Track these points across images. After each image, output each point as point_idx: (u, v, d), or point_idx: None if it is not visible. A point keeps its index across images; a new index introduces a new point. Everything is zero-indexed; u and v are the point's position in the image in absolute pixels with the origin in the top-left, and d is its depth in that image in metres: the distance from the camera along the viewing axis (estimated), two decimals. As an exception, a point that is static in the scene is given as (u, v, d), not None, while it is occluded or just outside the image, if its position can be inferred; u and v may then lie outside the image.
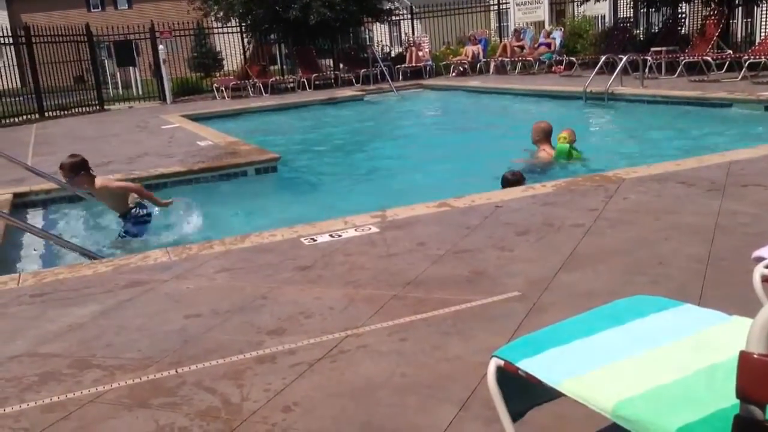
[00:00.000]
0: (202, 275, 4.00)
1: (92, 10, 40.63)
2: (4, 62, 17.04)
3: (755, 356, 0.97)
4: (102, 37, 19.58)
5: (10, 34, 17.32)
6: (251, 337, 3.12)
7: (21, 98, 17.27)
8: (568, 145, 7.47)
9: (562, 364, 1.73)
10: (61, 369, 2.93)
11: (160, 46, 18.37)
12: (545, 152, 7.63)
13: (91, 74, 18.72)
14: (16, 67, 17.67)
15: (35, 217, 6.17)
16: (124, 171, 7.69)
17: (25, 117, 16.35)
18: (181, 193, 7.25)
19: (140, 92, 21.15)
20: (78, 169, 5.79)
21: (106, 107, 18.38)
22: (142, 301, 3.69)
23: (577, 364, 1.72)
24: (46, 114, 16.78)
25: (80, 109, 17.70)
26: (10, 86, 17.00)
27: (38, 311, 3.64)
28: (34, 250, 5.58)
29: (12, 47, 17.42)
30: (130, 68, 22.13)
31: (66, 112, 17.20)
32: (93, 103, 18.23)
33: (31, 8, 39.01)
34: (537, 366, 1.75)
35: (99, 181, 5.84)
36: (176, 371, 2.84)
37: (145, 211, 6.00)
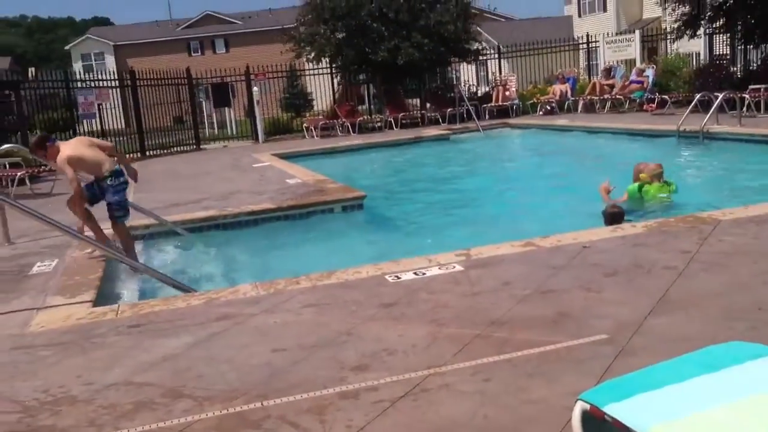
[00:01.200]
0: (289, 310, 4.09)
1: (192, 55, 42.74)
2: (110, 104, 18.10)
3: None
4: (201, 79, 20.53)
5: (117, 77, 18.42)
6: (335, 372, 3.15)
7: (125, 138, 18.26)
8: (637, 185, 7.41)
9: (652, 410, 1.68)
10: (154, 398, 3.05)
11: (255, 88, 19.10)
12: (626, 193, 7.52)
13: (190, 115, 19.62)
14: (121, 109, 18.76)
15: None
16: (218, 207, 7.99)
17: (128, 156, 17.23)
18: (271, 229, 7.48)
19: (234, 132, 21.98)
20: (43, 141, 6.07)
21: (202, 146, 19.18)
22: (232, 333, 3.80)
23: (667, 410, 1.66)
24: (147, 153, 17.66)
25: (178, 148, 18.54)
26: (116, 127, 18.02)
27: (134, 341, 3.80)
28: (133, 282, 5.85)
29: (118, 90, 18.50)
30: (226, 109, 23.05)
31: (165, 151, 18.06)
32: (190, 142, 19.07)
33: (136, 53, 41.47)
34: (624, 411, 1.70)
35: (60, 154, 5.90)
36: (262, 404, 2.90)
37: (122, 179, 6.14)
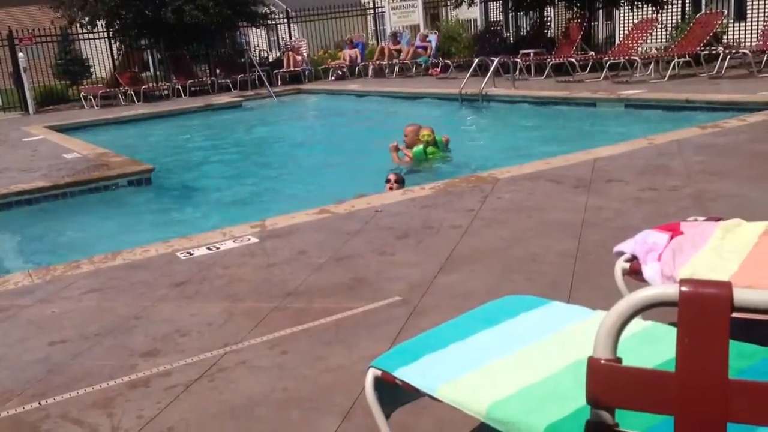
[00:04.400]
0: (69, 297, 3.77)
1: (-58, 16, 37.75)
2: None
3: (602, 362, 1.00)
4: (-48, 44, 18.20)
5: None
6: (123, 360, 2.96)
7: None
8: (422, 147, 8.10)
9: (437, 370, 1.74)
10: None
11: (20, 54, 17.29)
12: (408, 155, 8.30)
13: (-58, 85, 17.38)
14: None
15: None
16: (-19, 188, 7.17)
17: None
18: (47, 209, 6.85)
19: None
20: None
21: (-40, 120, 17.10)
22: (2, 329, 3.43)
23: (451, 370, 1.73)
24: None
25: (-70, 122, 16.37)
26: None
27: None
28: None
29: None
30: (-13, 77, 20.70)
31: None
32: (-55, 115, 16.92)
33: None
34: (413, 374, 1.75)
35: None
36: (39, 404, 2.65)
37: None
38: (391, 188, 6.37)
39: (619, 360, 1.00)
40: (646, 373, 1.00)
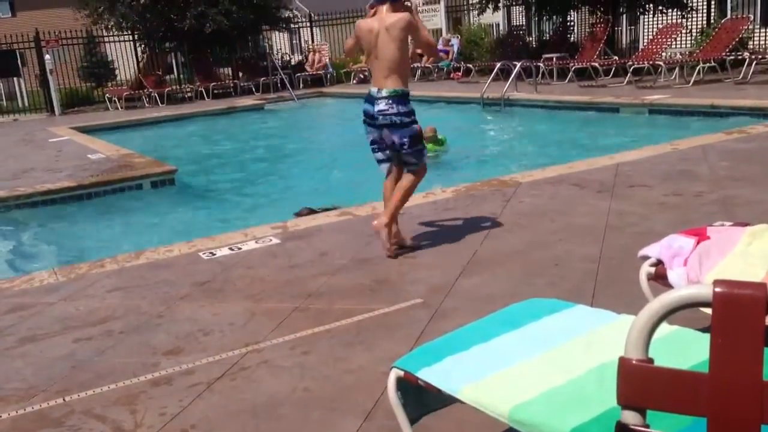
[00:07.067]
0: (94, 295, 3.81)
1: (-29, 18, 38.37)
2: None
3: (634, 362, 0.99)
4: (-18, 46, 18.49)
5: None
6: (146, 358, 2.98)
7: None
8: None
9: (460, 372, 1.73)
10: (-65, 405, 2.71)
11: (47, 56, 17.52)
12: None
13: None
14: None
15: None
16: (7, 188, 7.26)
17: None
18: (72, 208, 6.92)
19: (26, 104, 20.11)
20: None
21: (-13, 120, 17.36)
22: (28, 325, 3.47)
23: (474, 371, 1.72)
24: None
25: (-41, 122, 16.65)
26: None
27: None
28: None
29: None
30: (15, 79, 21.01)
31: (-57, 126, 16.14)
32: (-27, 116, 17.18)
33: None
34: (436, 375, 1.74)
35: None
36: (64, 399, 2.68)
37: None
38: None
39: (651, 360, 0.99)
40: (678, 373, 0.98)
